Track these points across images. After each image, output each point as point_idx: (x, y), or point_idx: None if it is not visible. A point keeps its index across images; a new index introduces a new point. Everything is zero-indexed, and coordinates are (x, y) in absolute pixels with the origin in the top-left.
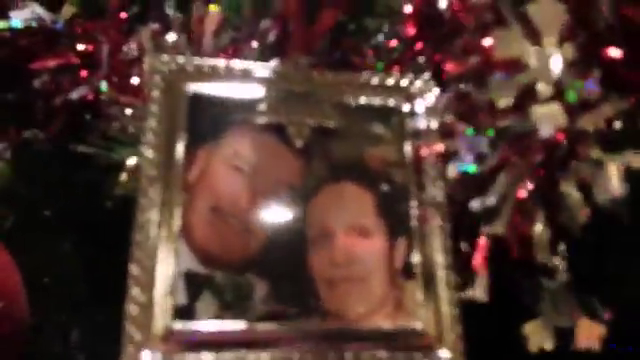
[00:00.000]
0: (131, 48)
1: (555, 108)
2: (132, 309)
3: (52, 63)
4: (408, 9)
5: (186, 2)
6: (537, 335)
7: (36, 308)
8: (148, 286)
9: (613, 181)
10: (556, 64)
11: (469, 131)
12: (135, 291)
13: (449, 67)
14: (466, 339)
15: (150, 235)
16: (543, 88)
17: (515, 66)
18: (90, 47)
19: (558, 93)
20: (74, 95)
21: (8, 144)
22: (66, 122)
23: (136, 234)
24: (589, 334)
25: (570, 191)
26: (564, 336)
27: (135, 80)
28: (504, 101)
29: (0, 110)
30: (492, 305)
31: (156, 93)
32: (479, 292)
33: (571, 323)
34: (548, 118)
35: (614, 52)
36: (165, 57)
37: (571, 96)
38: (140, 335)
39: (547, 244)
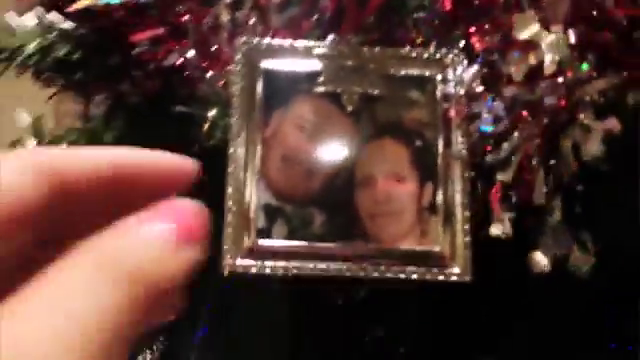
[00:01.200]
0: (210, 20)
1: (553, 81)
2: (229, 230)
3: (146, 36)
4: None
5: None
6: (538, 259)
7: None
8: (239, 213)
9: (595, 143)
10: (561, 47)
11: (490, 98)
12: (230, 217)
13: (477, 42)
14: (480, 265)
15: (239, 177)
16: (549, 65)
17: (529, 46)
18: (177, 19)
19: (560, 70)
20: (167, 62)
21: (105, 98)
22: (159, 84)
23: (229, 177)
24: (580, 261)
25: (566, 149)
26: (561, 261)
27: (214, 47)
28: (518, 74)
29: (101, 72)
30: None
31: (238, 67)
32: (500, 228)
33: (566, 251)
34: (549, 88)
35: (607, 37)
36: (244, 38)
37: (572, 74)
38: (235, 248)
39: (546, 189)
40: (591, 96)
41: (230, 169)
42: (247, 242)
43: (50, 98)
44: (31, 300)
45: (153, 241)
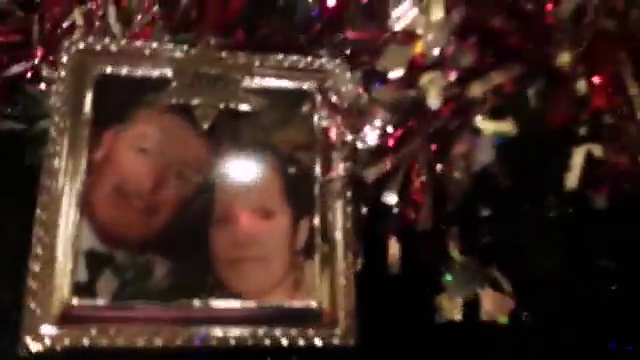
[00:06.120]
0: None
1: (437, 75)
2: (32, 284)
3: None
4: None
5: None
6: (447, 307)
7: None
8: (49, 263)
9: (486, 149)
10: (443, 32)
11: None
12: (36, 267)
13: (350, 34)
14: (375, 309)
15: (53, 213)
16: (430, 57)
17: (408, 37)
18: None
19: (444, 61)
20: (12, 71)
21: None
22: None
23: (38, 214)
24: (494, 306)
25: (456, 160)
26: (472, 308)
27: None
28: (395, 72)
29: None
30: (402, 277)
31: (63, 73)
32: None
33: (475, 295)
34: (433, 86)
35: (497, 22)
36: (74, 38)
37: (456, 63)
38: (40, 310)
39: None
40: (485, 94)
41: (40, 203)
42: (57, 302)
43: None
44: None
45: None
